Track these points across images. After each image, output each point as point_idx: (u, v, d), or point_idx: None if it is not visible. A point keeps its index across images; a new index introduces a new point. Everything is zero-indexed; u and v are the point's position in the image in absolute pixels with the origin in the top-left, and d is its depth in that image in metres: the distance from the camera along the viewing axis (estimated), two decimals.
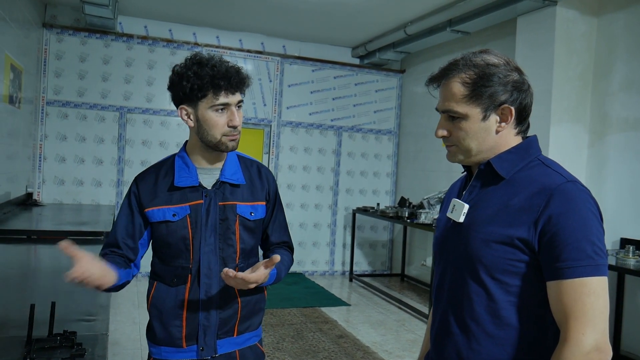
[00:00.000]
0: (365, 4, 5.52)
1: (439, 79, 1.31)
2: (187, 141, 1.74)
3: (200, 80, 1.56)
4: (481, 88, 1.24)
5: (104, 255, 1.66)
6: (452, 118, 1.28)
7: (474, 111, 1.25)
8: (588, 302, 1.11)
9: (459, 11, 5.26)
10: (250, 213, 1.70)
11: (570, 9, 4.55)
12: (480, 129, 1.27)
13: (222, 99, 1.59)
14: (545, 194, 1.18)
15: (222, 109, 1.60)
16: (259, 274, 1.51)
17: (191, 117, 1.63)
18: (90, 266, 1.42)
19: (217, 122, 1.60)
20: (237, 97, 1.62)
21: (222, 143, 1.63)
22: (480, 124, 1.26)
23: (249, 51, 6.81)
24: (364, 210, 6.74)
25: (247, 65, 6.78)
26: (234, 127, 1.62)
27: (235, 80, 1.59)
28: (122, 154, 6.33)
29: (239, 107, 1.64)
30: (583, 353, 1.09)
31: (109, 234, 1.71)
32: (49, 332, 1.39)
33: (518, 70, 1.29)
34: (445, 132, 1.31)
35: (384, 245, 7.61)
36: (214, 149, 1.65)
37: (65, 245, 1.41)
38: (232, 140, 1.64)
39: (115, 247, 1.67)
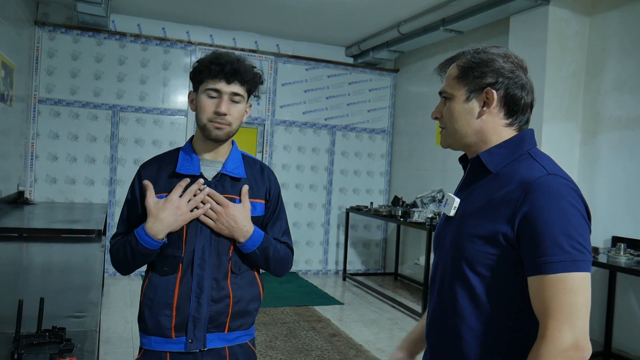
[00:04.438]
0: (359, 3, 5.52)
1: (445, 65, 1.37)
2: (193, 135, 1.77)
3: (200, 65, 1.64)
4: (469, 70, 1.28)
5: (117, 241, 1.70)
6: (445, 100, 1.33)
7: (460, 92, 1.29)
8: (565, 298, 1.09)
9: (452, 10, 5.27)
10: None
11: (563, 8, 4.57)
12: (463, 110, 1.29)
13: (214, 84, 1.62)
14: (524, 187, 1.16)
15: (213, 96, 1.63)
16: (226, 201, 1.63)
17: (194, 102, 1.69)
18: None
19: (205, 106, 1.64)
20: (232, 88, 1.63)
21: (207, 129, 1.64)
22: (463, 105, 1.29)
23: (242, 50, 6.79)
24: (358, 209, 6.74)
25: None
26: (218, 114, 1.62)
27: (228, 69, 1.61)
28: (114, 152, 6.31)
29: (234, 100, 1.64)
30: (559, 350, 1.07)
31: (117, 224, 1.77)
32: (37, 328, 1.38)
33: (515, 64, 1.28)
34: (438, 114, 1.36)
35: (378, 244, 7.62)
36: (204, 136, 1.67)
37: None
38: (217, 128, 1.64)
39: (125, 234, 1.71)
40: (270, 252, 1.71)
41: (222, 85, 1.62)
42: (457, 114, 1.30)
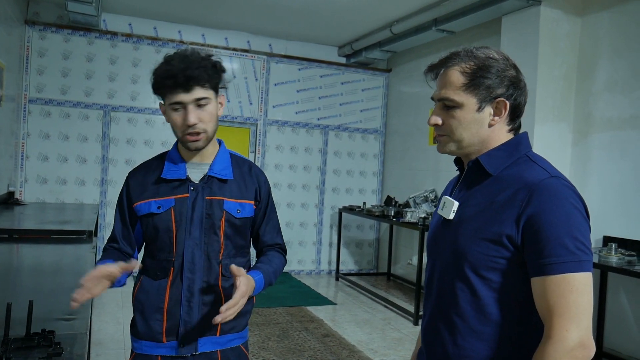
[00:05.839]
0: (351, 3, 5.52)
1: (439, 67, 1.31)
2: None
3: (154, 80, 1.58)
4: (480, 79, 1.25)
5: (106, 249, 1.73)
6: (447, 107, 1.28)
7: (470, 101, 1.26)
8: (571, 298, 1.11)
9: (444, 10, 5.28)
10: (237, 210, 1.69)
11: (555, 9, 4.58)
12: (473, 119, 1.27)
13: (175, 97, 1.56)
14: (528, 189, 1.17)
15: (178, 108, 1.58)
16: (239, 291, 1.47)
17: (166, 114, 1.65)
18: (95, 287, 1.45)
19: (176, 121, 1.60)
20: (194, 94, 1.56)
21: (185, 142, 1.62)
22: (474, 114, 1.26)
23: (234, 49, 6.77)
24: (350, 209, 6.74)
25: (233, 64, 6.75)
26: (189, 126, 1.58)
27: (181, 79, 1.54)
28: (106, 152, 6.27)
29: (200, 104, 1.58)
30: (567, 350, 1.09)
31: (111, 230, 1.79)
32: (26, 331, 1.36)
33: (515, 68, 1.29)
34: (439, 120, 1.30)
35: (370, 244, 7.62)
36: (185, 147, 1.65)
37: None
38: (194, 140, 1.60)
39: (114, 242, 1.73)
40: (272, 280, 1.70)
41: (182, 97, 1.56)
42: (466, 123, 1.27)
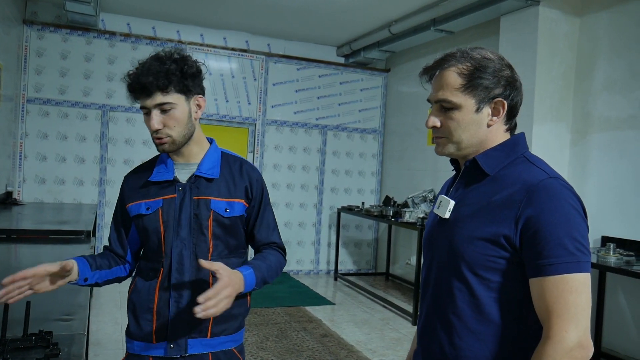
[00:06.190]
0: (350, 2, 5.52)
1: (434, 69, 1.31)
2: None
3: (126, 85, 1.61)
4: (477, 79, 1.24)
5: (102, 251, 1.77)
6: (445, 109, 1.28)
7: (469, 102, 1.25)
8: (570, 299, 1.11)
9: (443, 10, 5.28)
10: (225, 209, 1.65)
11: (553, 9, 4.58)
12: (472, 120, 1.26)
13: (140, 102, 1.58)
14: (527, 190, 1.17)
15: (146, 112, 1.59)
16: (221, 281, 1.41)
17: None
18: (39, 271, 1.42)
19: (146, 123, 1.60)
20: (155, 100, 1.54)
21: (155, 145, 1.63)
22: (473, 115, 1.26)
23: (233, 49, 6.77)
24: (349, 209, 6.74)
25: (231, 64, 6.75)
26: (153, 131, 1.58)
27: (136, 86, 1.55)
28: (104, 152, 6.26)
29: (164, 109, 1.56)
30: (566, 350, 1.09)
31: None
32: (23, 332, 1.36)
33: (510, 67, 1.29)
34: (437, 122, 1.29)
35: (369, 244, 7.62)
36: None
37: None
38: (160, 144, 1.60)
39: (108, 244, 1.76)
40: (267, 277, 1.65)
41: (144, 102, 1.56)
42: (465, 124, 1.26)
